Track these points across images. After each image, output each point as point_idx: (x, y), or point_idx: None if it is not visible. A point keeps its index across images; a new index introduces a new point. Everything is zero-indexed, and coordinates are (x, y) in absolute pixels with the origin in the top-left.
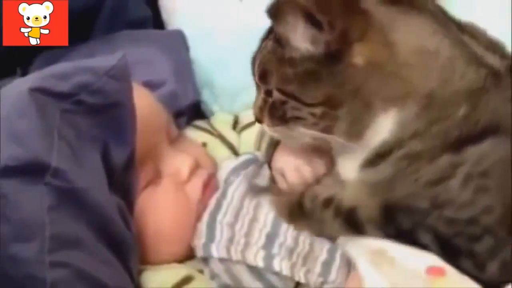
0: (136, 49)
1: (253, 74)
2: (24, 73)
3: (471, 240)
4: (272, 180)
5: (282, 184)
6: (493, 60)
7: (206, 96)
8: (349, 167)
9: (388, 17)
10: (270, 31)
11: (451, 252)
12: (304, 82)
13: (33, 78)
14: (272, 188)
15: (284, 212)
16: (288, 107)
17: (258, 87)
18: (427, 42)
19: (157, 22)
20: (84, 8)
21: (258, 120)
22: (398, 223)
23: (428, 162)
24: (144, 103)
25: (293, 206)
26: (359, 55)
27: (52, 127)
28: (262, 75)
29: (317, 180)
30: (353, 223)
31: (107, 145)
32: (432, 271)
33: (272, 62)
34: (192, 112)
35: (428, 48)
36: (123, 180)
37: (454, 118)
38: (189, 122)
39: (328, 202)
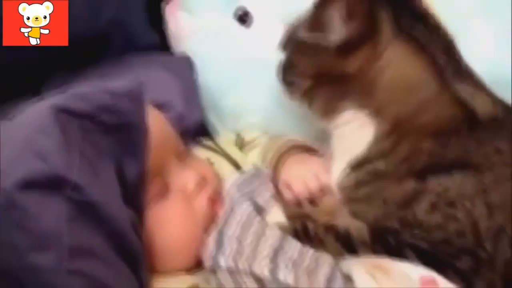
0: (146, 72)
1: None
2: (36, 94)
3: (451, 257)
4: (277, 191)
5: (287, 195)
6: (480, 104)
7: (211, 118)
8: (336, 172)
9: (394, 45)
10: None
11: (436, 266)
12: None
13: (57, 99)
14: (278, 198)
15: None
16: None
17: None
18: (413, 77)
19: (164, 48)
20: (92, 36)
21: None
22: (384, 242)
23: (394, 182)
24: (156, 123)
25: (297, 230)
26: (352, 65)
27: (74, 145)
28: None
29: (322, 192)
30: (349, 246)
31: (121, 162)
32: (427, 281)
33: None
34: (197, 132)
35: (411, 82)
36: (135, 194)
37: (418, 150)
38: (193, 141)
39: (329, 227)
